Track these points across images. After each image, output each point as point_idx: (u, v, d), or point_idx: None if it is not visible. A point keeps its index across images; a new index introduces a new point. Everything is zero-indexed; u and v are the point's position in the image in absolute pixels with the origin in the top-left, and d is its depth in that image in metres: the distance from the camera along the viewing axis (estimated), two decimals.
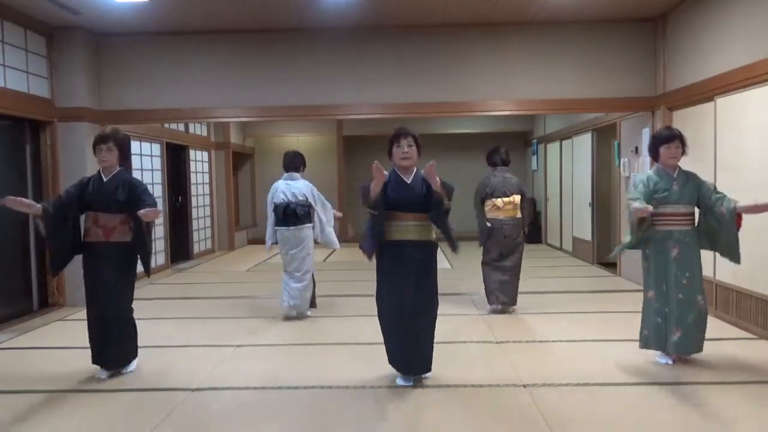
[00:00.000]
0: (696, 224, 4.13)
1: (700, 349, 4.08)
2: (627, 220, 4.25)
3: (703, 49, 5.82)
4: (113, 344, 4.05)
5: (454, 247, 3.88)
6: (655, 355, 4.23)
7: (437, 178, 3.69)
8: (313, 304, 5.97)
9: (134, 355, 4.24)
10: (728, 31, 5.38)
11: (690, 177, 4.13)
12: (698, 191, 4.08)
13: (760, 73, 4.85)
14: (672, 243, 4.05)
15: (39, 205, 3.91)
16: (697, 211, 4.15)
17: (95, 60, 6.93)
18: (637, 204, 3.93)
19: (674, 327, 4.01)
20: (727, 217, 3.93)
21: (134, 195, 4.02)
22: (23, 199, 3.87)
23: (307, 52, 6.93)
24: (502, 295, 5.79)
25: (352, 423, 3.33)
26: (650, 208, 3.91)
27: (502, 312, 5.84)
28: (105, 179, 4.08)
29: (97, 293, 4.02)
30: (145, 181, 8.43)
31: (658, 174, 4.13)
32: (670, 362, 4.12)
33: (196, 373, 4.17)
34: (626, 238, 4.26)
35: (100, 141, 4.06)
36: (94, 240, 4.04)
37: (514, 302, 5.88)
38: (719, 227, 4.00)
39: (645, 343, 4.19)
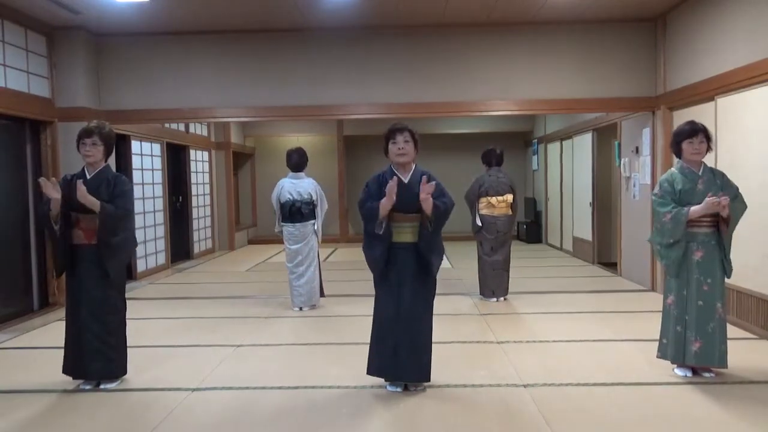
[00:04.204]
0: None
1: (724, 362, 3.80)
2: (664, 232, 3.84)
3: (703, 49, 5.82)
4: (93, 355, 3.79)
5: (429, 271, 3.66)
6: (672, 367, 3.98)
7: (431, 201, 3.51)
8: (321, 293, 6.29)
9: (121, 370, 3.95)
10: (728, 31, 5.38)
11: (717, 175, 3.87)
12: (723, 191, 3.79)
13: (760, 73, 4.84)
14: (696, 246, 3.81)
15: (96, 201, 3.71)
16: None
17: (95, 60, 6.93)
18: (681, 210, 3.73)
19: (693, 336, 3.78)
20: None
21: (113, 195, 3.80)
22: (54, 183, 3.71)
23: (307, 52, 6.93)
24: (496, 286, 6.30)
25: (352, 423, 3.32)
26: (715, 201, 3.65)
27: (499, 300, 6.32)
28: (89, 176, 3.84)
29: (77, 299, 3.81)
30: (145, 181, 8.53)
31: (681, 172, 3.87)
32: (689, 374, 3.88)
33: (196, 373, 4.16)
34: (664, 256, 3.88)
35: (84, 135, 3.80)
36: (76, 242, 3.82)
37: (505, 293, 6.34)
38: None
39: (663, 352, 3.95)
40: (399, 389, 3.73)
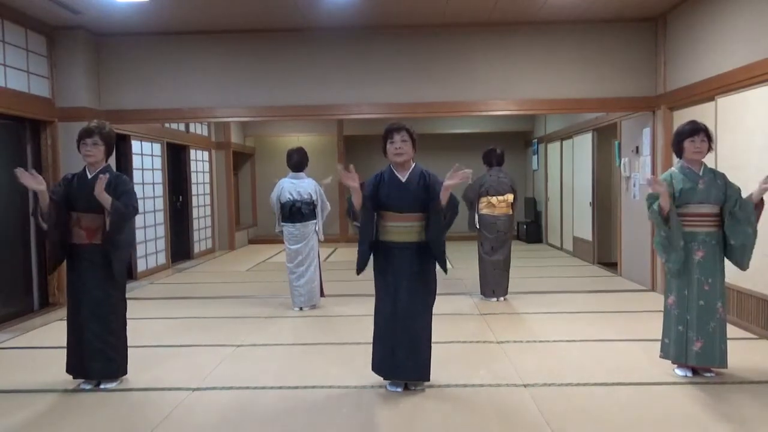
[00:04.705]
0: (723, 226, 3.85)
1: (724, 362, 3.81)
2: (657, 228, 3.88)
3: (703, 49, 5.82)
4: (94, 355, 3.80)
5: (444, 268, 3.74)
6: (672, 368, 3.98)
7: (449, 193, 3.53)
8: (321, 293, 6.28)
9: (121, 370, 3.94)
10: (728, 31, 5.38)
11: (717, 176, 3.86)
12: (725, 192, 3.80)
13: (760, 73, 4.84)
14: (696, 245, 3.80)
15: (45, 189, 3.65)
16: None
17: (95, 60, 6.93)
18: (655, 206, 3.78)
19: (695, 336, 3.77)
20: (743, 215, 3.76)
21: (116, 194, 3.78)
22: (35, 175, 3.64)
23: (307, 52, 6.93)
24: (497, 286, 6.30)
25: (352, 423, 3.32)
26: (665, 195, 3.72)
27: (499, 300, 6.33)
28: (90, 176, 3.83)
29: (78, 299, 3.81)
30: (145, 181, 8.53)
31: (682, 171, 3.87)
32: (689, 374, 3.87)
33: (196, 373, 4.17)
34: (664, 254, 3.88)
35: (85, 135, 3.79)
36: (77, 242, 3.82)
37: (505, 293, 6.35)
38: (736, 226, 3.78)
39: (666, 352, 3.94)
40: (399, 389, 3.73)
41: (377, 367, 3.77)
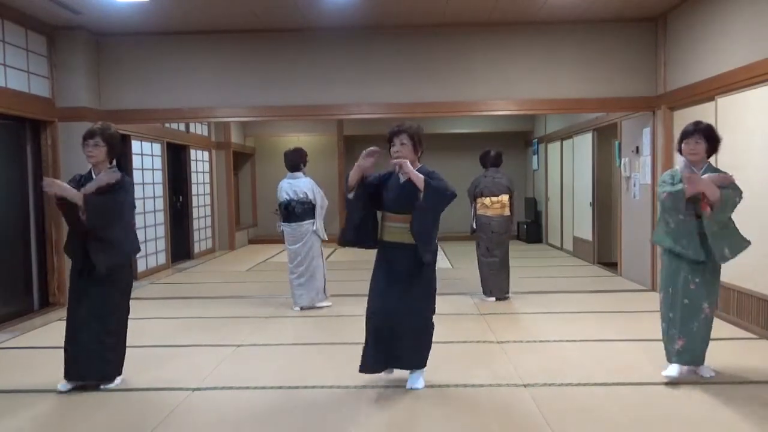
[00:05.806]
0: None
1: (701, 361, 3.85)
2: (667, 215, 3.81)
3: (703, 49, 5.82)
4: (89, 355, 3.79)
5: (423, 257, 3.61)
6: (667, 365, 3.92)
7: (416, 175, 3.54)
8: (324, 293, 6.26)
9: (117, 371, 3.94)
10: (728, 31, 5.38)
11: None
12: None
13: (760, 73, 4.84)
14: None
15: (77, 192, 3.68)
16: None
17: (95, 60, 6.93)
18: (670, 188, 3.70)
19: (677, 335, 3.78)
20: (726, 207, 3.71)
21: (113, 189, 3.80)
22: (61, 184, 3.70)
23: (307, 52, 6.93)
24: (494, 286, 6.30)
25: (352, 423, 3.32)
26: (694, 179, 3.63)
27: (499, 300, 6.32)
28: (94, 177, 3.87)
29: (78, 297, 3.82)
30: (145, 181, 8.53)
31: (683, 170, 3.88)
32: (674, 374, 3.80)
33: (196, 373, 4.17)
34: (680, 244, 3.79)
35: (87, 136, 3.86)
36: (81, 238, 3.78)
37: (506, 292, 6.35)
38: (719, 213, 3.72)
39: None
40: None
41: (366, 365, 3.76)
